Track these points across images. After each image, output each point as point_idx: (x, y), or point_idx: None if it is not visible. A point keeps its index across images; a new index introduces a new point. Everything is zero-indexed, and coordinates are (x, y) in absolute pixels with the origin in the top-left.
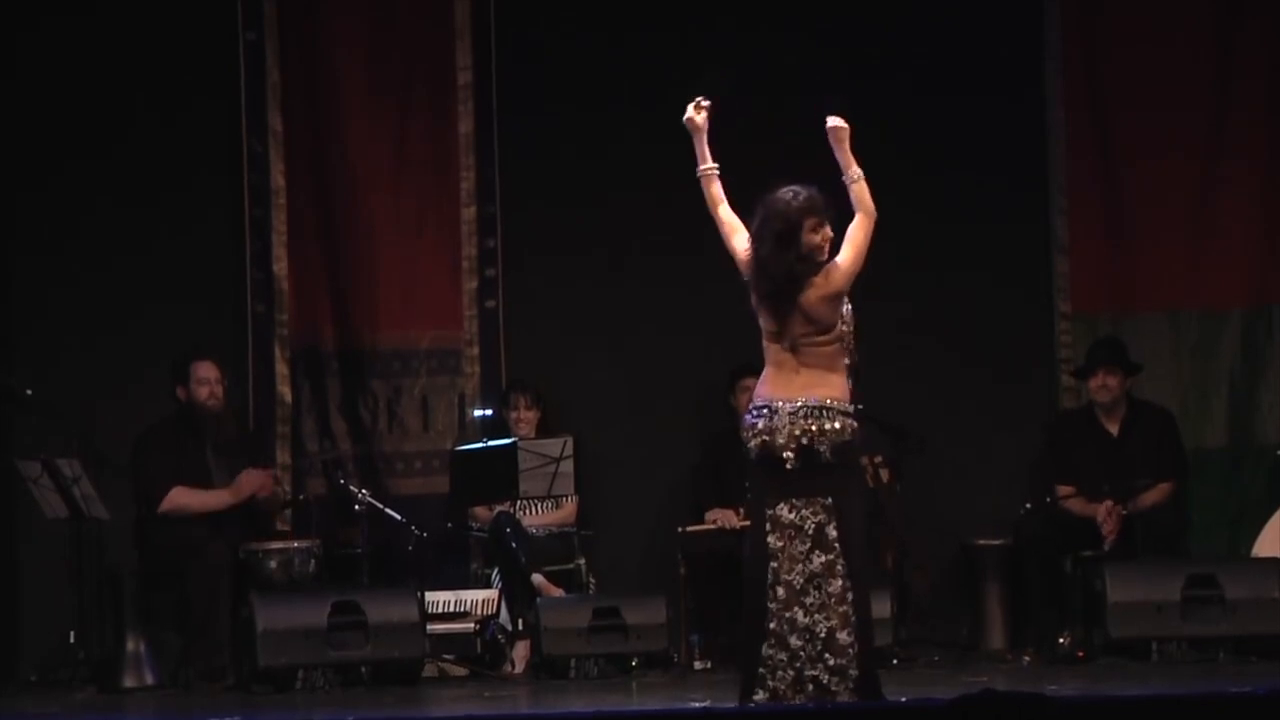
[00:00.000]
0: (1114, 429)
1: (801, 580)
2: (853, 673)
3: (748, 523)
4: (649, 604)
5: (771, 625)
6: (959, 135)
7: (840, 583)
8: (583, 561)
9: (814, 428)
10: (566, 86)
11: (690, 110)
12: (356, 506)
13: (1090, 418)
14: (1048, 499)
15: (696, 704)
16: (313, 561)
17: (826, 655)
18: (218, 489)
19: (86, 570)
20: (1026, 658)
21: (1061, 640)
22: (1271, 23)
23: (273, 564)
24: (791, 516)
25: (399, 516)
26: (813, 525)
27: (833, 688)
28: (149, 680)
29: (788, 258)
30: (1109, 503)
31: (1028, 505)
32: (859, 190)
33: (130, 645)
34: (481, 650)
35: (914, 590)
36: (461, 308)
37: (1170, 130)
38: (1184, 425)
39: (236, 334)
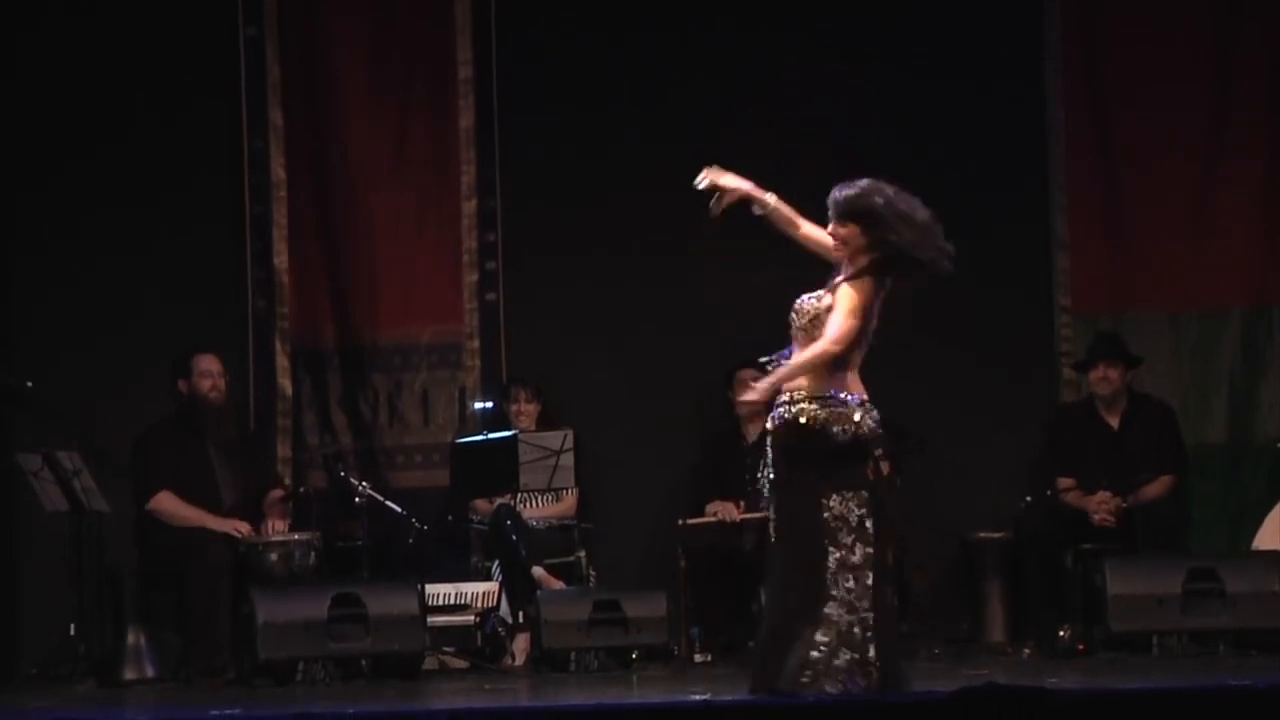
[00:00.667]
0: (1114, 422)
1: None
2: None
3: (748, 516)
4: (649, 597)
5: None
6: (959, 134)
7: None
8: (583, 554)
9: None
10: (566, 85)
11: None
12: (357, 500)
13: (1091, 411)
14: (1048, 492)
15: (697, 697)
16: (313, 555)
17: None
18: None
19: (87, 567)
20: (1027, 651)
21: (1062, 634)
22: (1271, 23)
23: (273, 557)
24: (844, 509)
25: (399, 509)
26: (855, 518)
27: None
28: (149, 673)
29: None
30: (1105, 493)
31: (1028, 499)
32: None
33: (130, 639)
34: (482, 643)
35: (914, 585)
36: (462, 301)
37: (1170, 130)
38: (1184, 423)
39: (237, 330)
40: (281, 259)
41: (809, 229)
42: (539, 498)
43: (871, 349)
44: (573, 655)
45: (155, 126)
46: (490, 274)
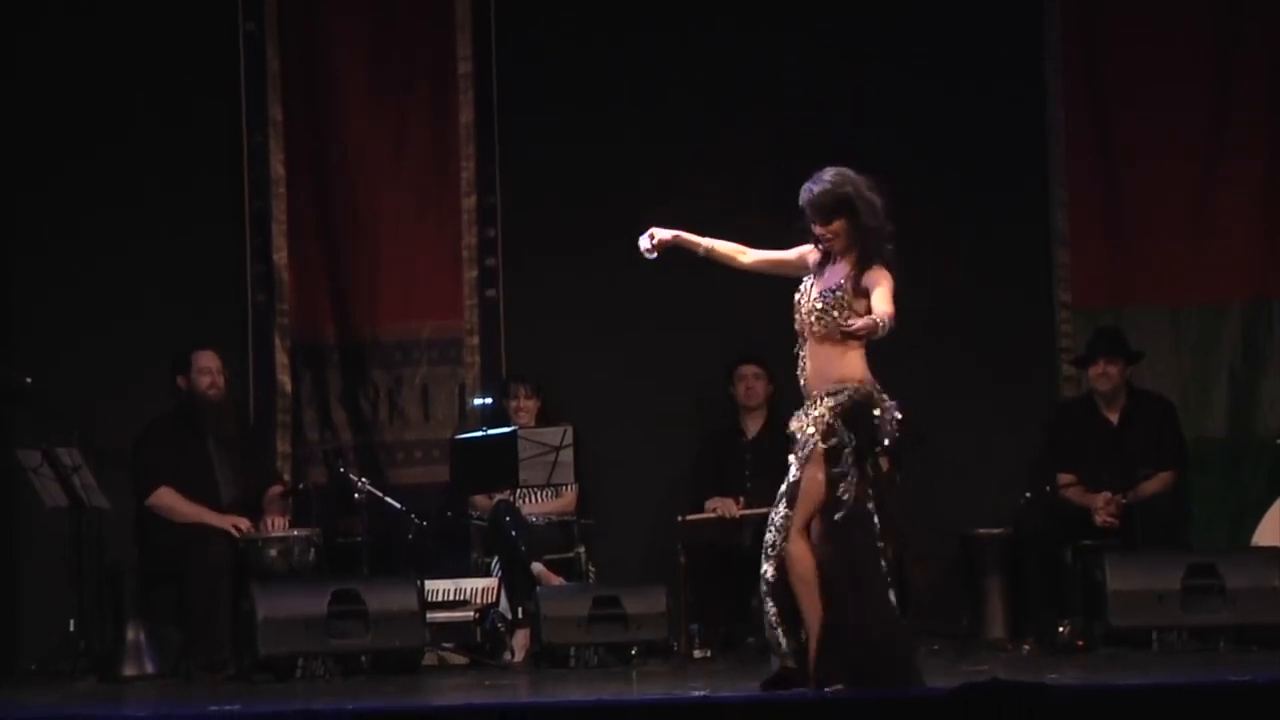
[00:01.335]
0: (1114, 418)
1: None
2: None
3: (747, 512)
4: (649, 593)
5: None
6: (959, 134)
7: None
8: (582, 550)
9: None
10: (566, 82)
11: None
12: (357, 496)
13: (1091, 407)
14: (1048, 488)
15: (696, 693)
16: (313, 551)
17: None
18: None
19: (87, 563)
20: (1027, 647)
21: (1062, 630)
22: (1271, 23)
23: (273, 553)
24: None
25: (399, 505)
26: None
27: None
28: (149, 670)
29: None
30: (1107, 494)
31: (1027, 495)
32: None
33: (130, 635)
34: (481, 639)
35: (914, 582)
36: (462, 298)
37: (1170, 128)
38: (1184, 419)
39: (237, 326)
40: (281, 255)
41: (755, 255)
42: (538, 494)
43: (872, 343)
44: (572, 651)
45: (155, 123)
46: (490, 270)
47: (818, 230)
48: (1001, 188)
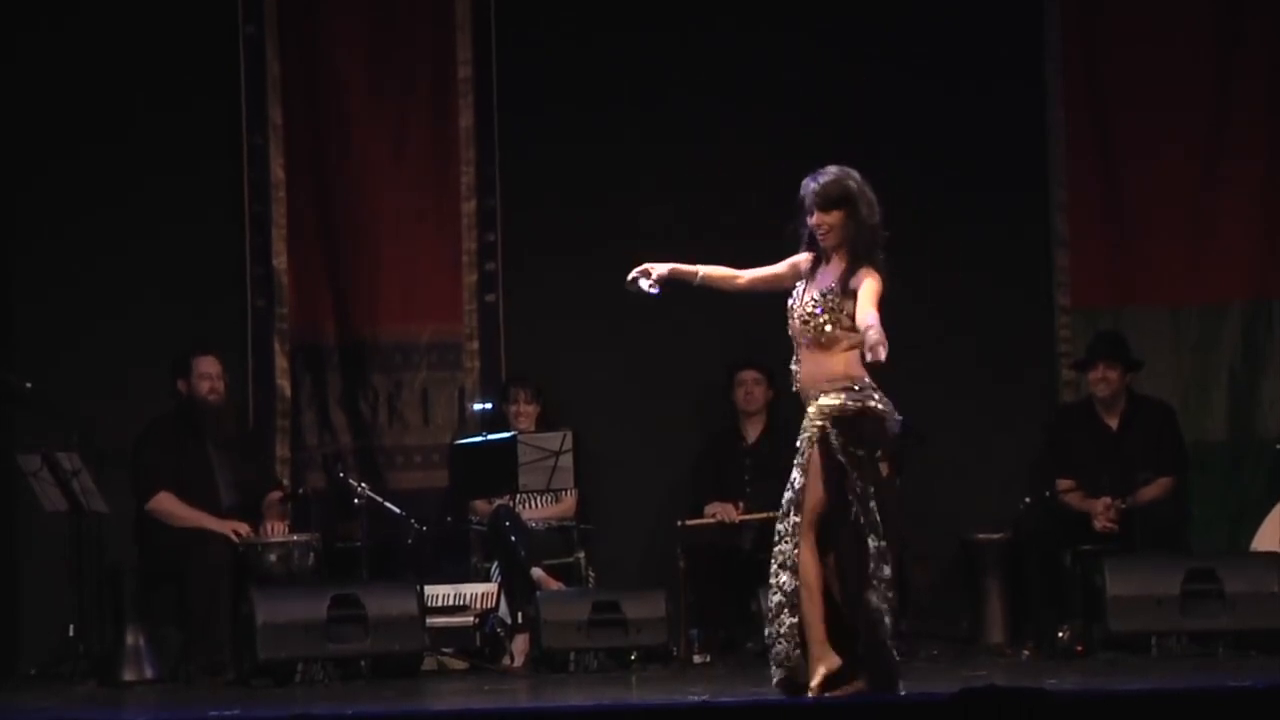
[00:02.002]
0: (1113, 423)
1: None
2: None
3: (747, 516)
4: (648, 598)
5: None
6: (959, 134)
7: None
8: (582, 555)
9: None
10: (566, 84)
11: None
12: (356, 500)
13: (1090, 411)
14: (1047, 493)
15: (695, 698)
16: (312, 555)
17: None
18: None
19: (87, 566)
20: (1026, 652)
21: (1061, 635)
22: (1271, 22)
23: (272, 558)
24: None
25: (398, 510)
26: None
27: None
28: (149, 674)
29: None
30: (1106, 499)
31: (1027, 500)
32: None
33: (130, 639)
34: (481, 644)
35: (914, 585)
36: (461, 302)
37: (1170, 129)
38: (1184, 420)
39: (237, 329)
40: (281, 258)
41: (749, 275)
42: (538, 499)
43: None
44: (572, 656)
45: (155, 125)
46: (490, 274)
47: (815, 220)
48: (1001, 189)
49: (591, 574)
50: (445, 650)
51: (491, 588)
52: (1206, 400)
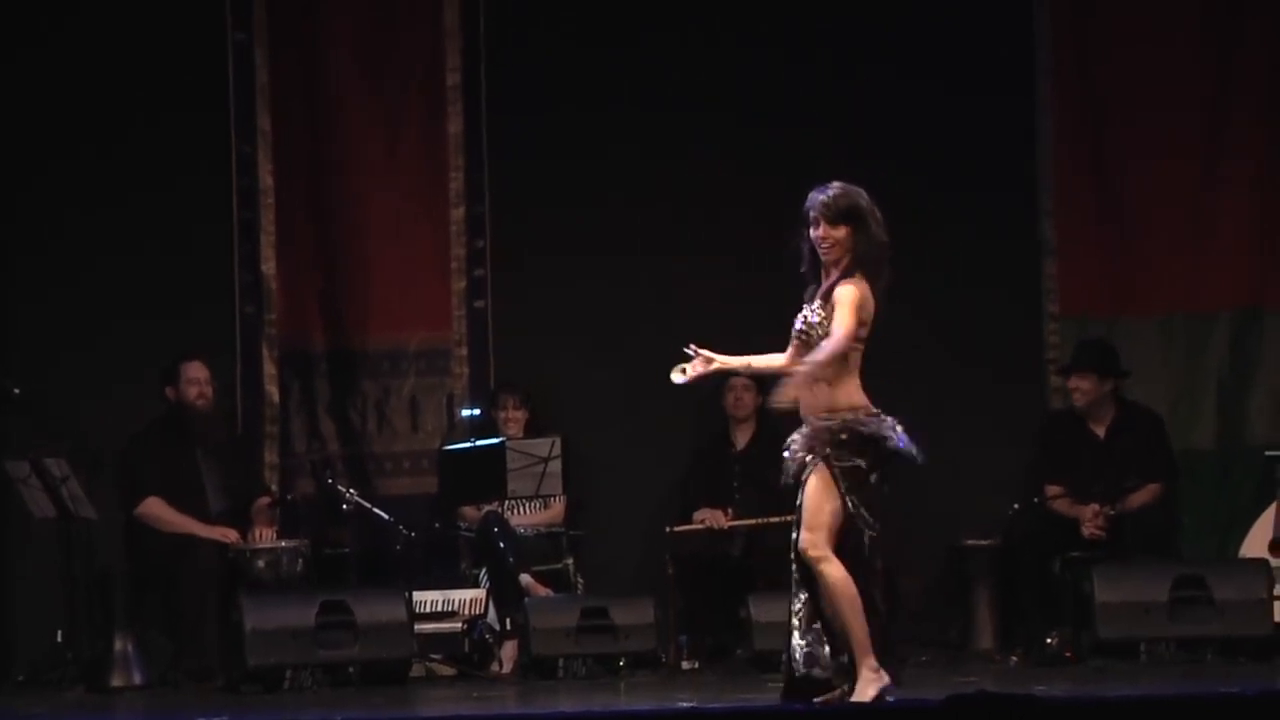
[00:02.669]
0: (1101, 431)
1: None
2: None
3: (736, 523)
4: (637, 604)
5: None
6: (949, 139)
7: None
8: (571, 561)
9: None
10: (555, 90)
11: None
12: (345, 506)
13: (1079, 418)
14: (1036, 499)
15: (684, 704)
16: (301, 561)
17: None
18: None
19: (76, 572)
20: (1015, 658)
21: (1050, 641)
22: (1268, 24)
23: (261, 564)
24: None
25: (387, 516)
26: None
27: None
28: (137, 680)
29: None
30: (1095, 506)
31: (1016, 506)
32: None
33: (119, 645)
34: (469, 650)
35: (903, 591)
36: (450, 308)
37: (1160, 135)
38: (1174, 428)
39: (225, 336)
40: (269, 264)
41: (789, 354)
42: (527, 505)
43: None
44: (561, 662)
45: (144, 132)
46: (479, 280)
47: (820, 233)
48: (990, 195)
49: (580, 580)
50: (434, 656)
51: (480, 594)
52: (1196, 408)
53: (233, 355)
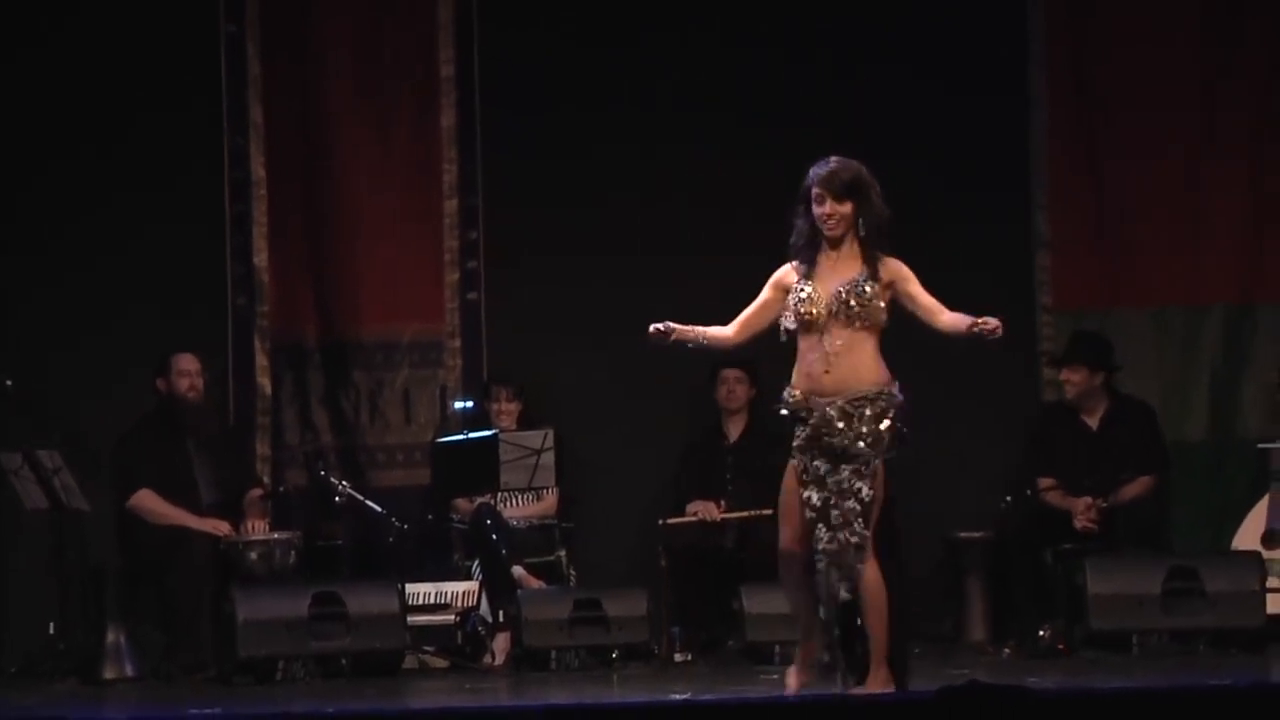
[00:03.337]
0: (1093, 423)
1: None
2: None
3: (729, 515)
4: (630, 596)
5: None
6: (944, 134)
7: None
8: (563, 553)
9: None
10: (548, 83)
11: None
12: (337, 498)
13: (1071, 411)
14: (1028, 492)
15: (677, 696)
16: (293, 553)
17: None
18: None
19: (68, 564)
20: (1008, 650)
21: (1043, 633)
22: (1265, 24)
23: (253, 556)
24: None
25: (379, 508)
26: None
27: None
28: (129, 672)
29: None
30: (1087, 498)
31: (1009, 498)
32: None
33: (111, 637)
34: (462, 642)
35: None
36: (443, 300)
37: (1154, 130)
38: (1166, 421)
39: (217, 329)
40: (261, 257)
41: (736, 323)
42: (519, 497)
43: None
44: (553, 654)
45: (135, 125)
46: (472, 273)
47: (826, 209)
48: (984, 189)
49: (573, 572)
50: (426, 648)
51: (473, 586)
52: (1189, 400)
53: (225, 347)
